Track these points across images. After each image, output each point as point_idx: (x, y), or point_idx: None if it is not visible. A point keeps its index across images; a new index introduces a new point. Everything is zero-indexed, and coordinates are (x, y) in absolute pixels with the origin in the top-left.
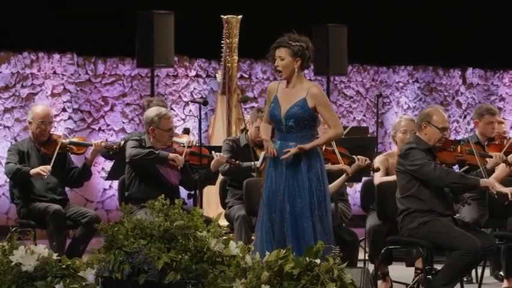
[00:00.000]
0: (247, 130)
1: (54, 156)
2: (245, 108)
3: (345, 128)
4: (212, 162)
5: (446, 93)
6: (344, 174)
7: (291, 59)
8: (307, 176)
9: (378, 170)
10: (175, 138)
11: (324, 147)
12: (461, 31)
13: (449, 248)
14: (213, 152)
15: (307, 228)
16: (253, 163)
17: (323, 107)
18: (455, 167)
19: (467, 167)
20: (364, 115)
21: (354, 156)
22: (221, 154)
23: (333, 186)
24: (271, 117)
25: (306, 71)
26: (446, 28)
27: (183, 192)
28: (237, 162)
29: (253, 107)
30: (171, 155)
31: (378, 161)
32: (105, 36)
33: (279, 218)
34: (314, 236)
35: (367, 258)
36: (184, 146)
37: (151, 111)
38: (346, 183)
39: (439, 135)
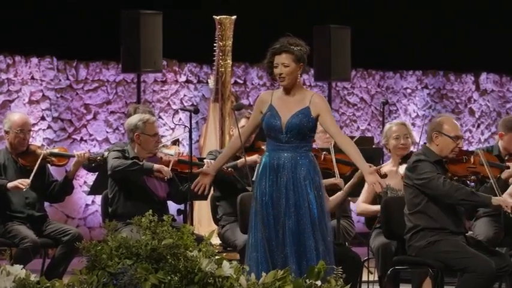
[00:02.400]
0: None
1: (36, 168)
2: None
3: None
4: (202, 170)
5: (458, 101)
6: (339, 191)
7: (294, 66)
8: (307, 190)
9: (385, 176)
10: (164, 150)
11: (322, 156)
12: (474, 33)
13: (461, 269)
14: (205, 160)
15: (310, 246)
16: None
17: (327, 112)
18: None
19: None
20: (368, 124)
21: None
22: (212, 161)
23: (334, 199)
24: (268, 126)
25: (305, 77)
26: (458, 30)
27: (172, 207)
28: (229, 170)
29: None
30: (157, 166)
31: None
32: (88, 38)
33: (280, 235)
34: (317, 255)
35: (371, 279)
36: (172, 155)
37: (134, 118)
38: (349, 198)
39: (453, 145)
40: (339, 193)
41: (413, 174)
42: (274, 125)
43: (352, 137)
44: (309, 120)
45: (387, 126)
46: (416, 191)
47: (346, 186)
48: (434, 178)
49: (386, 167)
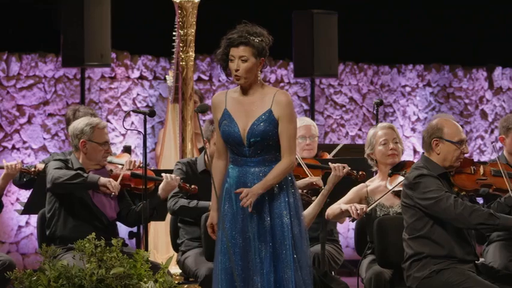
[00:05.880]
0: (206, 151)
1: None
2: (204, 120)
3: (334, 145)
4: (161, 185)
5: (467, 101)
6: (320, 192)
7: (254, 60)
8: (282, 211)
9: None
10: (112, 159)
11: None
12: (486, 21)
13: None
14: (162, 174)
15: (288, 276)
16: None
17: (287, 120)
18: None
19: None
20: (359, 129)
21: (328, 164)
22: (172, 175)
23: (308, 213)
24: (226, 138)
25: (283, 72)
26: (467, 16)
27: (123, 230)
28: (193, 187)
29: None
30: (102, 180)
31: (354, 190)
32: (21, 26)
33: (251, 266)
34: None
35: None
36: (122, 168)
37: (80, 121)
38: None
39: (457, 152)
40: (313, 203)
41: (415, 193)
42: (234, 136)
43: (336, 145)
44: (274, 126)
45: (370, 132)
46: (419, 213)
47: (320, 195)
48: (443, 198)
49: (374, 181)
